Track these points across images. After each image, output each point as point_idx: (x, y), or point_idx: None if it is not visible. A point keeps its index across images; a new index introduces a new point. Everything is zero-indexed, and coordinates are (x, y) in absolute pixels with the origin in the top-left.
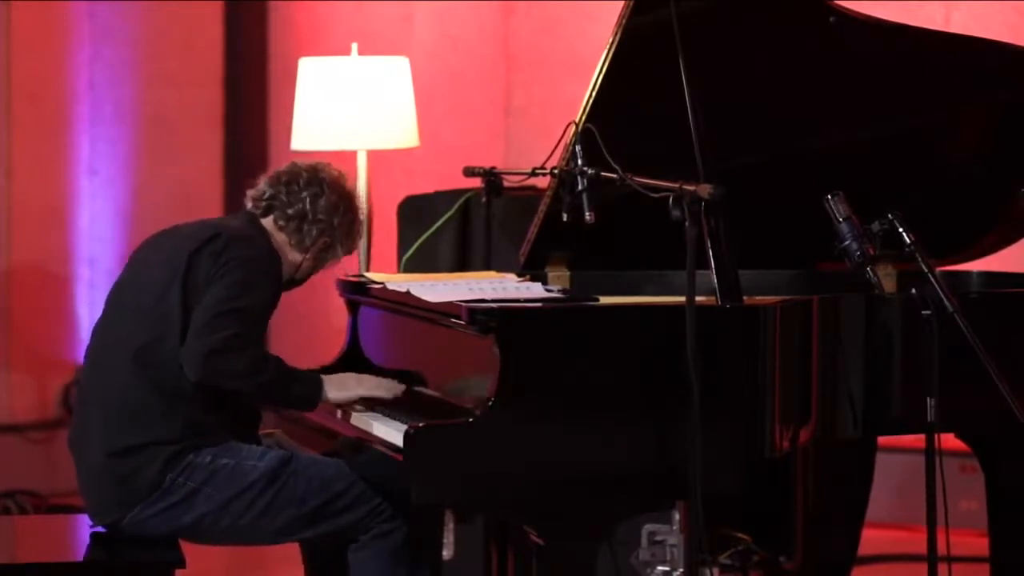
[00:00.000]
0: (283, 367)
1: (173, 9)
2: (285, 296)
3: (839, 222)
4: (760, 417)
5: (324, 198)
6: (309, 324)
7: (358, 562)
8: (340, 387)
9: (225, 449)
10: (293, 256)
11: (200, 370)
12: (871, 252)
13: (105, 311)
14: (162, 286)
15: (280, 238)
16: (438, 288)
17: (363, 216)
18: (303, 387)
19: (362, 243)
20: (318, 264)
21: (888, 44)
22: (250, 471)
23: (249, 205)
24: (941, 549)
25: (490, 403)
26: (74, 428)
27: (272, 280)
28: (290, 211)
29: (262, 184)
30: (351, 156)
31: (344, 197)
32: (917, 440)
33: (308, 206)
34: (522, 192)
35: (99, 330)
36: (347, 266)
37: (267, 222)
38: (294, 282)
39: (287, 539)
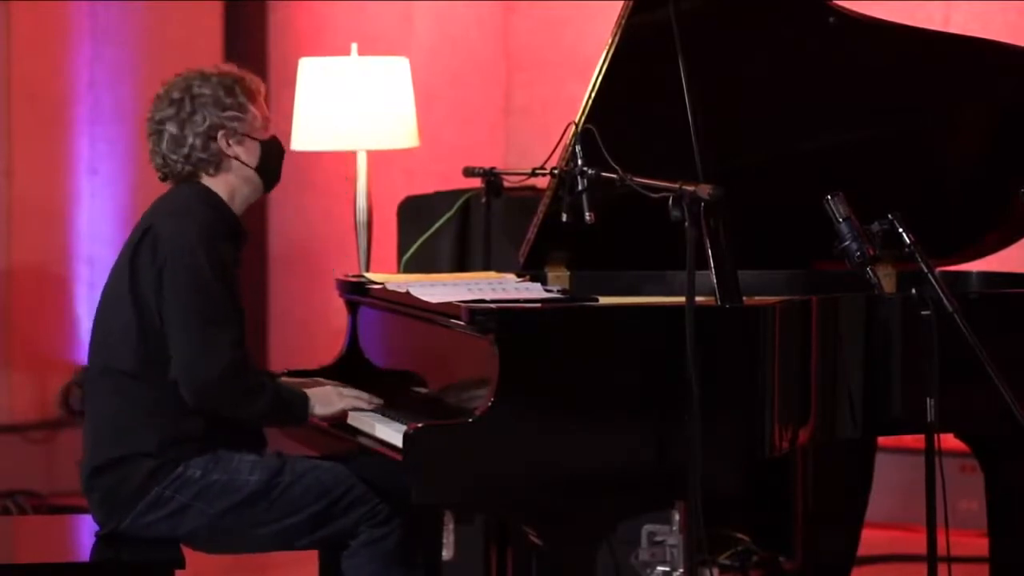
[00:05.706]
0: (277, 393)
1: (173, 9)
2: (284, 296)
3: (839, 222)
4: (760, 417)
5: (188, 122)
6: (309, 324)
7: (352, 568)
8: (325, 403)
9: (215, 461)
10: (243, 172)
11: (202, 399)
12: (871, 252)
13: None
14: (116, 295)
15: (220, 183)
16: (438, 288)
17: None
18: (292, 411)
19: (362, 243)
20: (262, 144)
21: (888, 44)
22: (242, 486)
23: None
24: (941, 549)
25: (490, 404)
26: None
27: (212, 254)
28: (183, 163)
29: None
30: (351, 156)
31: (186, 88)
32: (917, 440)
33: (189, 142)
34: (522, 192)
35: (90, 340)
36: (347, 268)
37: (207, 180)
38: (268, 173)
39: (285, 547)
